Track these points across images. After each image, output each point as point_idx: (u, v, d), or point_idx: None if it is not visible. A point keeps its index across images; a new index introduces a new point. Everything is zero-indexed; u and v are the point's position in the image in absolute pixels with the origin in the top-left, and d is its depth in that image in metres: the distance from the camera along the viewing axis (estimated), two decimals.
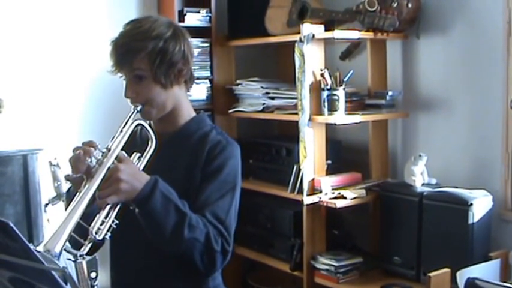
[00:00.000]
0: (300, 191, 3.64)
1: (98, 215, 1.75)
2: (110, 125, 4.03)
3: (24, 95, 3.77)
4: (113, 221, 1.76)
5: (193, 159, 1.98)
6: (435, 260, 3.22)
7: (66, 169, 3.54)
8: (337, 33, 3.52)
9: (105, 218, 1.75)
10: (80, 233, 1.73)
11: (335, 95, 3.54)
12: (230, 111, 4.22)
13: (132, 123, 1.94)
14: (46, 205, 3.58)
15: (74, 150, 1.85)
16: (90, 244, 1.73)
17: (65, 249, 1.67)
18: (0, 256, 1.60)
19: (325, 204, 3.59)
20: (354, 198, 3.60)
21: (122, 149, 1.86)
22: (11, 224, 1.60)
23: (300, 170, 3.65)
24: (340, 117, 3.57)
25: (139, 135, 2.11)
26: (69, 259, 1.69)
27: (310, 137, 3.61)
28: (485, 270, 3.05)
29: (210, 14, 4.24)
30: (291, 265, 3.78)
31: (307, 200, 3.60)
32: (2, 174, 3.43)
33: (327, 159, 3.71)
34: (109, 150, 1.84)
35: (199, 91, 4.29)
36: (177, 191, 1.85)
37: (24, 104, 3.77)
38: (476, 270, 2.96)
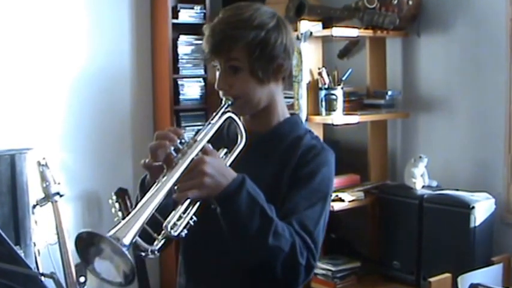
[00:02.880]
0: None
1: (175, 210, 1.58)
2: (99, 125, 4.07)
3: (11, 94, 3.72)
4: (191, 218, 1.59)
5: (283, 163, 1.81)
6: (435, 264, 3.18)
7: (54, 169, 3.56)
8: (336, 31, 3.46)
9: (183, 213, 1.58)
10: (153, 227, 1.57)
11: (333, 94, 3.48)
12: None
13: (221, 116, 1.77)
14: (34, 206, 3.54)
15: (156, 137, 1.69)
16: (164, 240, 1.56)
17: (137, 245, 1.52)
18: None
19: None
20: (352, 200, 3.54)
21: (208, 142, 1.69)
22: None
23: None
24: (338, 117, 3.50)
25: (226, 131, 1.94)
26: (139, 254, 1.52)
27: None
28: (487, 275, 3.02)
29: (204, 11, 4.20)
30: None
31: None
32: None
33: None
34: (195, 141, 1.68)
35: (193, 90, 4.23)
36: (263, 195, 1.68)
37: (12, 103, 3.72)
38: (478, 275, 2.94)
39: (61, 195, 3.55)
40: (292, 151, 1.81)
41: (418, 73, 3.80)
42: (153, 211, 1.53)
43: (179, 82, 4.21)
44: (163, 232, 1.55)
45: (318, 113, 3.54)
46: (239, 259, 1.71)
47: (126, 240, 1.44)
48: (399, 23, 3.46)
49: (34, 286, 1.60)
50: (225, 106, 1.78)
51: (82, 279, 3.61)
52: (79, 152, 3.98)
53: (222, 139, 1.86)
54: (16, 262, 1.58)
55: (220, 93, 1.82)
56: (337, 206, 3.46)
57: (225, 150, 1.76)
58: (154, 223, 1.56)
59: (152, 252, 1.54)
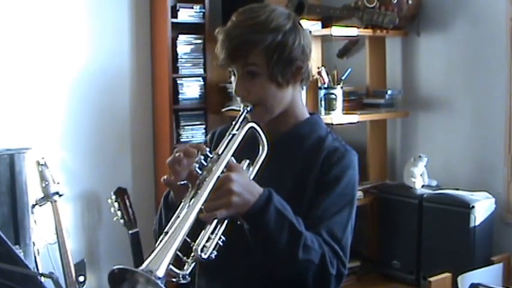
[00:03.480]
0: None
1: (204, 230, 1.53)
2: (98, 124, 4.06)
3: (10, 94, 3.69)
4: (219, 238, 1.54)
5: (306, 166, 1.75)
6: (435, 264, 3.17)
7: (53, 169, 3.55)
8: (335, 30, 3.46)
9: (212, 233, 1.53)
10: (182, 250, 1.51)
11: (332, 93, 3.47)
12: (223, 109, 4.12)
13: (243, 127, 1.70)
14: (33, 206, 3.52)
15: (175, 152, 1.64)
16: (194, 263, 1.51)
17: (170, 274, 1.46)
18: None
19: None
20: None
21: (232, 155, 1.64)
22: None
23: None
24: (338, 116, 3.49)
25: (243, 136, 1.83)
26: (171, 280, 1.46)
27: None
28: (487, 274, 3.02)
29: (203, 10, 4.18)
30: None
31: None
32: None
33: None
34: (218, 156, 1.62)
35: (192, 89, 4.22)
36: (285, 199, 1.63)
37: (11, 102, 3.69)
38: (478, 275, 2.93)
39: (60, 195, 3.54)
40: (315, 154, 1.77)
41: (417, 72, 3.79)
42: (184, 237, 1.48)
43: (178, 81, 4.20)
44: (193, 255, 1.50)
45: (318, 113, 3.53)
46: (267, 273, 1.66)
47: (160, 273, 1.40)
48: (399, 22, 3.46)
49: (33, 286, 1.59)
50: (244, 112, 1.73)
51: (81, 278, 3.60)
52: (78, 151, 3.97)
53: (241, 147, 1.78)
54: (15, 262, 1.57)
55: (238, 99, 1.76)
56: None
57: (248, 161, 1.70)
58: (183, 245, 1.50)
59: (184, 277, 1.48)
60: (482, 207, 3.19)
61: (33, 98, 3.78)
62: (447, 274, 2.94)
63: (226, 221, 1.55)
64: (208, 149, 1.63)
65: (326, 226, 1.65)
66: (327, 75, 3.51)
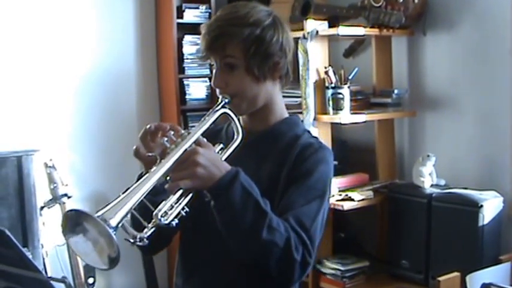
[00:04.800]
0: None
1: (167, 199, 1.57)
2: (106, 126, 4.06)
3: (19, 95, 3.70)
4: (183, 208, 1.57)
5: (280, 162, 1.78)
6: (444, 263, 3.16)
7: (61, 171, 3.55)
8: (342, 30, 3.45)
9: (175, 203, 1.57)
10: (145, 217, 1.56)
11: (340, 93, 3.47)
12: None
13: (217, 111, 1.76)
14: (42, 208, 3.52)
15: (147, 126, 1.71)
16: (154, 229, 1.53)
17: (126, 230, 1.51)
18: None
19: (332, 206, 3.49)
20: (361, 200, 3.52)
21: (203, 136, 1.68)
22: (7, 232, 1.52)
23: None
24: (346, 116, 3.49)
25: (225, 132, 1.93)
26: (128, 240, 1.50)
27: None
28: (496, 273, 2.99)
29: (209, 10, 4.19)
30: None
31: None
32: None
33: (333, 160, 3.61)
34: (188, 133, 1.66)
35: (199, 89, 4.22)
36: (261, 195, 1.65)
37: (19, 104, 3.70)
38: (487, 274, 2.91)
39: (69, 197, 3.54)
40: (289, 150, 1.79)
41: (424, 71, 3.77)
42: (143, 196, 1.52)
43: (185, 82, 4.20)
44: (153, 220, 1.53)
45: (326, 112, 3.53)
46: (243, 271, 1.68)
47: (114, 222, 1.42)
48: (405, 21, 3.45)
49: None
50: (222, 104, 1.77)
51: (91, 280, 3.61)
52: (86, 153, 3.98)
53: (221, 139, 1.85)
54: (26, 266, 1.57)
55: (217, 91, 1.81)
56: (346, 205, 3.45)
57: (221, 145, 1.75)
58: (146, 213, 1.56)
59: (141, 239, 1.51)
60: (491, 206, 3.18)
61: (41, 100, 3.80)
62: (456, 273, 2.91)
63: (190, 194, 1.59)
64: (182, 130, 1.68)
65: (294, 214, 1.65)
66: (334, 74, 3.50)
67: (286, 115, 1.91)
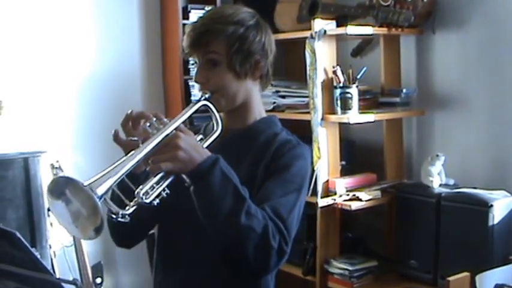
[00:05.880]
0: (314, 193, 3.53)
1: (148, 180, 1.62)
2: (111, 127, 4.02)
3: (25, 96, 3.71)
4: (163, 190, 1.62)
5: (257, 158, 1.86)
6: (453, 263, 3.13)
7: (68, 172, 3.54)
8: (350, 29, 3.43)
9: (156, 184, 1.62)
10: (128, 197, 1.63)
11: (348, 93, 3.45)
12: None
13: (196, 103, 1.84)
14: (49, 209, 3.50)
15: (128, 113, 1.82)
16: (135, 207, 1.59)
17: (109, 209, 1.58)
18: (6, 267, 1.55)
19: (339, 206, 3.49)
20: (369, 199, 3.50)
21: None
22: (18, 234, 1.52)
23: (313, 171, 3.54)
24: (354, 116, 3.47)
25: (203, 131, 2.00)
26: (111, 216, 1.58)
27: (324, 137, 3.51)
28: (506, 273, 2.96)
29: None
30: (303, 269, 3.69)
31: (321, 202, 3.50)
32: (3, 178, 3.32)
33: (341, 160, 3.61)
34: (170, 120, 1.73)
35: None
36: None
37: (25, 105, 3.71)
38: (497, 274, 2.88)
39: None
40: (267, 147, 1.87)
41: (433, 70, 3.75)
42: (126, 172, 1.57)
43: (190, 83, 4.19)
44: (135, 198, 1.59)
45: (334, 112, 3.50)
46: (215, 248, 1.71)
47: (100, 191, 1.48)
48: (414, 20, 3.42)
49: None
50: (202, 98, 1.85)
51: (98, 280, 3.61)
52: (92, 154, 3.97)
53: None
54: (37, 268, 1.57)
55: (198, 86, 1.89)
56: (354, 205, 3.44)
57: (201, 136, 1.85)
58: (128, 195, 1.62)
59: (123, 216, 1.56)
60: (501, 205, 3.15)
61: (47, 102, 3.79)
62: (466, 273, 2.89)
63: (171, 178, 1.64)
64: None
65: (271, 205, 1.71)
66: (342, 74, 3.48)
67: (264, 115, 2.00)
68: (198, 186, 1.64)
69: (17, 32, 3.66)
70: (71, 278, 3.54)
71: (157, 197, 1.61)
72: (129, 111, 1.83)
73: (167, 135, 1.66)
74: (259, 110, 1.99)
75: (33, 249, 1.61)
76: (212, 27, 1.84)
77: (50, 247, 3.50)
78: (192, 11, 4.12)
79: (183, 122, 1.74)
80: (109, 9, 4.03)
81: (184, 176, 1.65)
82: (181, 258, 1.92)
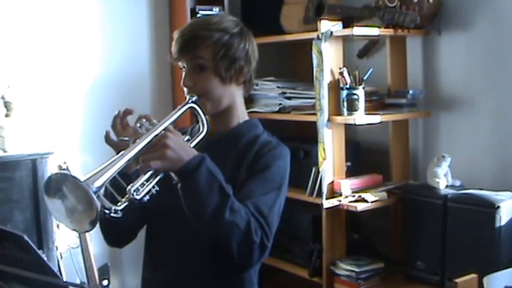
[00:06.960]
0: (319, 194, 3.54)
1: (139, 178, 1.73)
2: None
3: (33, 98, 3.71)
4: (153, 187, 1.74)
5: (241, 158, 1.96)
6: (460, 265, 3.12)
7: (75, 173, 3.54)
8: (357, 30, 3.43)
9: (146, 181, 1.73)
10: (120, 193, 1.74)
11: (355, 94, 3.44)
12: (247, 111, 4.09)
13: (184, 105, 1.94)
14: None
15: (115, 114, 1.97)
16: (127, 203, 1.70)
17: (102, 202, 1.66)
18: (14, 270, 1.56)
19: (345, 207, 3.49)
20: (375, 201, 3.50)
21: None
22: (26, 238, 1.53)
23: (319, 172, 3.54)
24: (360, 117, 3.46)
25: (189, 133, 2.06)
26: (104, 211, 1.67)
27: (329, 138, 3.51)
28: None
29: (222, 12, 4.16)
30: (309, 271, 3.68)
31: (327, 203, 3.50)
32: (10, 180, 3.33)
33: (346, 161, 3.61)
34: (159, 121, 1.85)
35: None
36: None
37: (33, 107, 3.71)
38: (504, 276, 2.87)
39: None
40: (249, 148, 1.97)
41: (439, 72, 3.75)
42: (120, 168, 1.69)
43: None
44: (127, 195, 1.69)
45: (340, 114, 3.50)
46: (201, 245, 1.83)
47: (96, 184, 1.60)
48: (420, 21, 3.42)
49: None
50: (189, 102, 1.95)
51: (105, 282, 3.61)
52: (100, 155, 3.92)
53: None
54: (45, 272, 1.57)
55: (185, 90, 1.99)
56: (360, 206, 3.43)
57: (188, 137, 1.95)
58: (121, 190, 1.73)
59: (115, 211, 1.66)
60: (508, 207, 3.14)
61: (54, 103, 3.80)
62: (473, 275, 2.87)
63: (160, 176, 1.75)
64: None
65: (252, 202, 1.81)
66: (349, 75, 3.48)
67: (247, 118, 2.11)
68: (185, 183, 1.74)
69: (26, 34, 3.67)
70: (77, 280, 3.56)
71: (147, 193, 1.72)
72: (116, 112, 1.98)
73: (156, 135, 1.77)
74: (242, 113, 2.10)
75: (40, 252, 1.62)
76: (199, 34, 1.94)
77: (57, 249, 3.51)
78: (200, 12, 4.12)
79: (172, 123, 1.85)
80: (118, 11, 4.03)
81: (172, 174, 1.75)
82: (168, 256, 2.01)
